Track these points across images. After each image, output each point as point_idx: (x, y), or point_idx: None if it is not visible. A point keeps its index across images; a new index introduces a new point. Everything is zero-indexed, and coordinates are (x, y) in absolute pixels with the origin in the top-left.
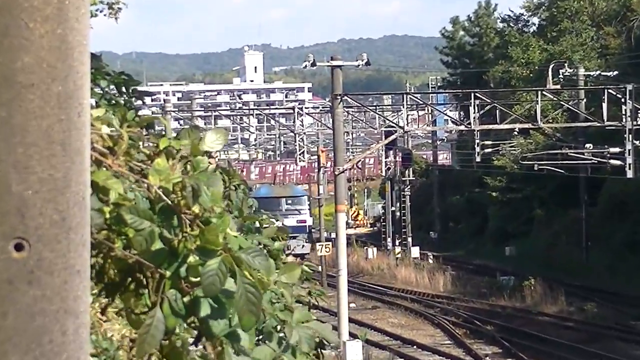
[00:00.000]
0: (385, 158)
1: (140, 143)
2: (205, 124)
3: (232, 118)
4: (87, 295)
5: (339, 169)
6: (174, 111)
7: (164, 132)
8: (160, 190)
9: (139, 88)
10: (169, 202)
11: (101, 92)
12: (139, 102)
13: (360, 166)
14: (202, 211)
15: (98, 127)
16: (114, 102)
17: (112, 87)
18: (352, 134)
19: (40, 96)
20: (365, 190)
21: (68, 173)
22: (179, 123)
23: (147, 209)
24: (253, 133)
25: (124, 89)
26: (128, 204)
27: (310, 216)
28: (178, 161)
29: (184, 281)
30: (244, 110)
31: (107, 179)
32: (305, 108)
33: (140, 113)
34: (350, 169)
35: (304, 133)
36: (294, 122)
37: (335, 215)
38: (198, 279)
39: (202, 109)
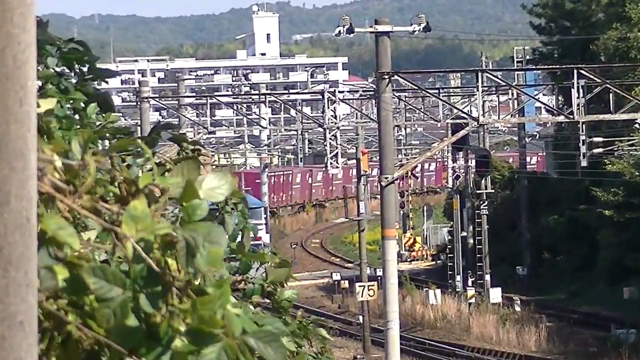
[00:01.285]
0: (453, 162)
1: (109, 176)
2: (197, 115)
3: (235, 107)
4: (33, 357)
5: (387, 178)
6: (153, 97)
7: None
8: (139, 245)
9: (100, 65)
10: (152, 262)
11: (51, 71)
12: (99, 85)
13: (417, 174)
14: (194, 277)
15: (48, 153)
16: (62, 86)
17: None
18: (405, 128)
19: None
20: (425, 208)
21: (5, 184)
22: (160, 114)
23: (118, 270)
24: (265, 128)
25: (76, 67)
26: (87, 264)
27: (267, 232)
28: (163, 206)
29: None
30: (253, 97)
31: (59, 228)
32: (340, 92)
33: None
34: (403, 178)
35: (338, 128)
36: (323, 112)
37: (382, 244)
38: None
39: (194, 94)
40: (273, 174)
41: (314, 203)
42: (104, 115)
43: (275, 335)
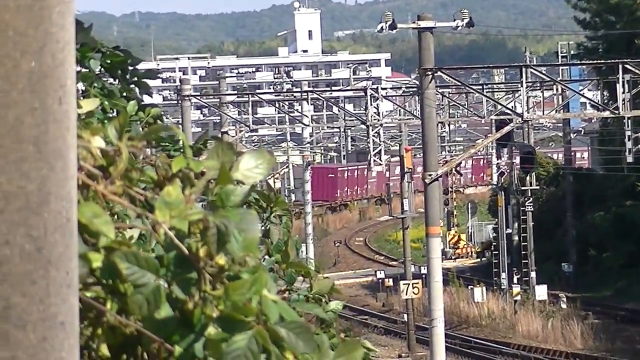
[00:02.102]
0: (497, 159)
1: (145, 162)
2: (239, 113)
3: (277, 105)
4: (74, 357)
5: (430, 175)
6: (194, 96)
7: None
8: (172, 231)
9: (142, 66)
10: (184, 248)
11: (93, 73)
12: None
13: (461, 171)
14: (229, 263)
15: (87, 138)
16: (106, 90)
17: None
18: (448, 125)
19: (5, 76)
20: (469, 205)
21: (45, 184)
22: (201, 112)
23: (151, 256)
24: (308, 126)
25: (119, 71)
26: (125, 249)
27: None
28: (198, 191)
29: None
30: (295, 94)
31: (94, 216)
32: (382, 89)
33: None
34: (447, 175)
35: (381, 125)
36: (365, 109)
37: (426, 241)
38: None
39: (235, 92)
40: (346, 168)
41: (393, 194)
42: (143, 112)
43: (307, 327)
